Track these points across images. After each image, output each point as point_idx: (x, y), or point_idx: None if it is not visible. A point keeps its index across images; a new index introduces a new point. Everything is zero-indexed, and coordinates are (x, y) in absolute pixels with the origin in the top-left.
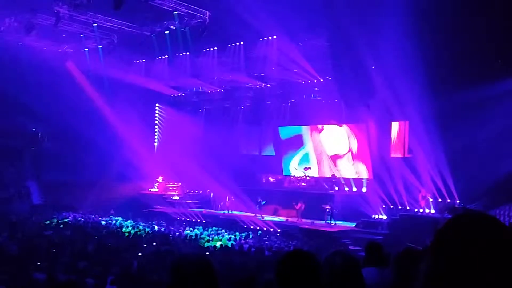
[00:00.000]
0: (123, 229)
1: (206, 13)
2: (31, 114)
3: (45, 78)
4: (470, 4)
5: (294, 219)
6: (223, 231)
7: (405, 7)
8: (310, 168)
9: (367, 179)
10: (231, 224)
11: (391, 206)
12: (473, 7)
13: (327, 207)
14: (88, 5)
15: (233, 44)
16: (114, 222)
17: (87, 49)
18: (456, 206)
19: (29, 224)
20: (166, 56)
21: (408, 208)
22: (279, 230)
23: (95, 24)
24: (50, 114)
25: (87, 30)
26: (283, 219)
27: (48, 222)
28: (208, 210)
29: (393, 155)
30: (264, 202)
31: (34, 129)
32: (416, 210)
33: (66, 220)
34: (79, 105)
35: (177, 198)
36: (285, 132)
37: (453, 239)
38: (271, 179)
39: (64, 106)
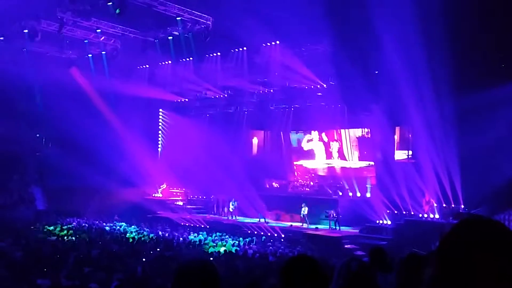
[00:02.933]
0: (127, 234)
1: (210, 19)
2: (35, 120)
3: (49, 84)
4: (473, 8)
5: (298, 225)
6: (227, 236)
7: (408, 11)
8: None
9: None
10: (235, 230)
11: (395, 211)
12: (476, 11)
13: (332, 213)
14: (92, 11)
15: (236, 50)
16: (118, 227)
17: (91, 55)
18: (461, 211)
19: (33, 230)
20: (170, 62)
21: (412, 213)
22: (283, 236)
23: (99, 30)
24: (54, 120)
25: (91, 36)
26: (287, 224)
27: (52, 228)
28: (212, 215)
29: (397, 160)
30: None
31: (38, 135)
32: (420, 215)
33: (70, 226)
34: (83, 111)
35: (181, 203)
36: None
37: (459, 244)
38: (275, 184)
39: (68, 112)
